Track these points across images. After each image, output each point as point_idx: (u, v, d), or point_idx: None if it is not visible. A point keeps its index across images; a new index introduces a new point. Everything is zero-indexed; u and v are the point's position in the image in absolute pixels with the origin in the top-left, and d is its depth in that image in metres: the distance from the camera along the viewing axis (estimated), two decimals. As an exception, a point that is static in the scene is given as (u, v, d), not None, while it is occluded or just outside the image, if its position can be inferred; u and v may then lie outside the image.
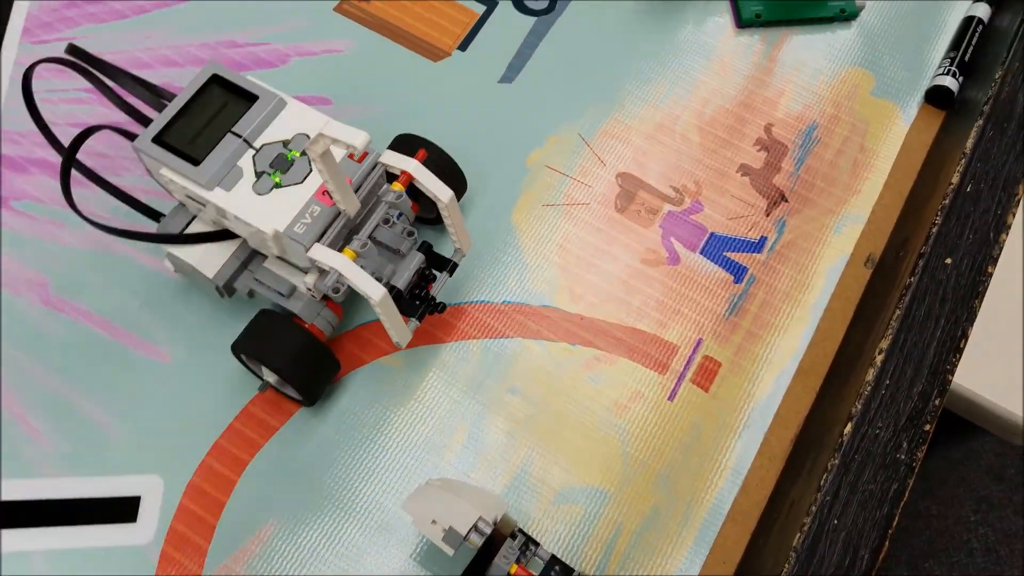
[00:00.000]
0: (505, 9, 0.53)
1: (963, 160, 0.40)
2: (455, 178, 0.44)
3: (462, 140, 0.49)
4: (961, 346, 0.36)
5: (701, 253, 0.47)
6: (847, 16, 0.53)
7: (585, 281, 0.46)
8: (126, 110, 0.41)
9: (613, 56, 0.52)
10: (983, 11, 0.52)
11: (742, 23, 0.53)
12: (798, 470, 0.39)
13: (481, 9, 0.53)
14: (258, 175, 0.37)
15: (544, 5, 0.54)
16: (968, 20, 0.52)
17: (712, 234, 0.47)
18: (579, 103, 0.51)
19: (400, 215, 0.39)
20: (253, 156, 0.38)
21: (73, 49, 0.41)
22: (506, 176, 0.48)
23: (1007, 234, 0.38)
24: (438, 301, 0.39)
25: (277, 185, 0.37)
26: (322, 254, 0.36)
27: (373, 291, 0.35)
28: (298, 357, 0.38)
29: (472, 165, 0.48)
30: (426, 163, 0.42)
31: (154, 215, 0.41)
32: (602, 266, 0.46)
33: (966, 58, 0.50)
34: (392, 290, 0.37)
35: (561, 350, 0.44)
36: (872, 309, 0.43)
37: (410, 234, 0.39)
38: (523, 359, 0.44)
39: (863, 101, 0.51)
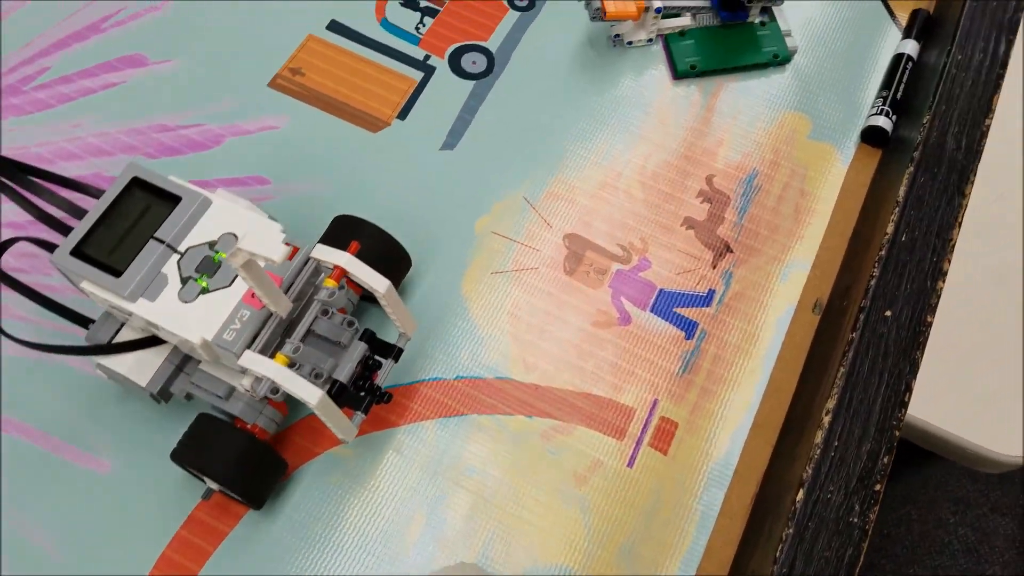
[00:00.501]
0: (443, 74, 0.53)
1: (896, 209, 0.41)
2: (397, 259, 0.44)
3: (406, 212, 0.49)
4: (905, 400, 0.37)
5: (651, 311, 0.47)
6: (781, 61, 0.53)
7: (538, 349, 0.46)
8: (46, 221, 0.40)
9: (553, 115, 0.52)
10: (911, 48, 0.53)
11: (678, 74, 0.53)
12: (757, 535, 0.39)
13: (418, 76, 0.53)
14: (184, 281, 0.37)
15: (482, 68, 0.54)
16: (898, 57, 0.53)
17: (661, 290, 0.47)
18: (522, 166, 0.51)
19: (332, 294, 0.39)
20: (178, 261, 0.37)
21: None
22: (454, 246, 0.48)
23: (944, 281, 0.39)
24: (384, 390, 0.39)
25: (204, 290, 0.37)
26: (253, 362, 0.35)
27: (310, 395, 0.34)
28: (240, 463, 0.37)
29: (418, 237, 0.48)
30: (366, 245, 0.42)
31: (83, 321, 0.40)
32: (554, 332, 0.46)
33: (898, 96, 0.51)
34: (334, 384, 0.37)
35: (517, 423, 0.44)
36: (822, 356, 0.44)
37: (350, 324, 0.39)
38: (479, 436, 0.43)
39: (801, 145, 0.52)
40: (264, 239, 0.31)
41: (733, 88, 0.53)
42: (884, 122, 0.50)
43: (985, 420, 0.54)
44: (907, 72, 0.51)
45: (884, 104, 0.50)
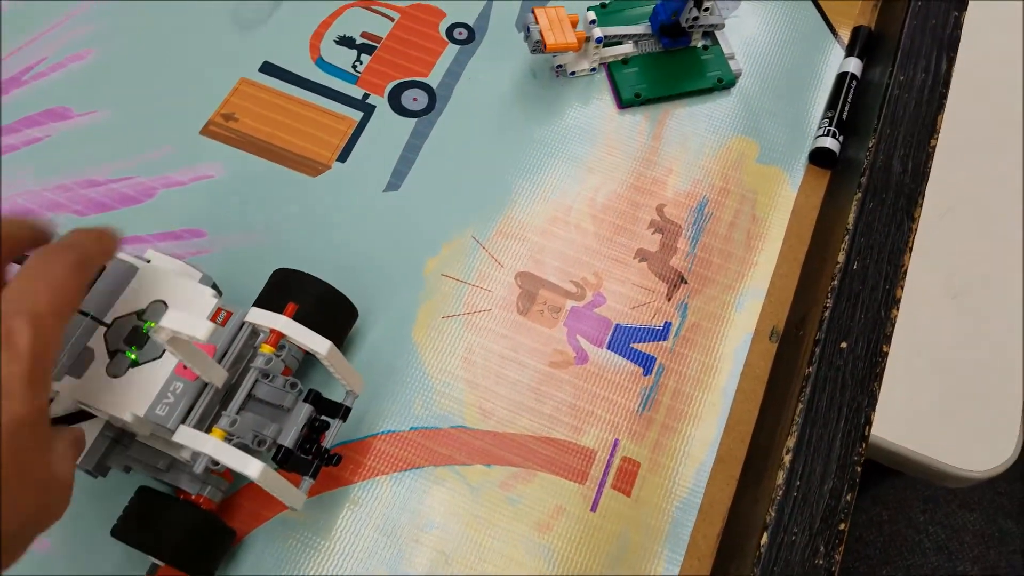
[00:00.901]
0: (383, 113, 0.52)
1: (847, 236, 0.40)
2: (342, 312, 0.42)
3: (351, 258, 0.47)
4: (866, 434, 0.36)
5: (608, 348, 0.46)
6: (725, 85, 0.53)
7: (494, 394, 0.44)
8: None
9: (499, 150, 0.51)
10: (855, 66, 0.52)
11: (623, 103, 0.52)
12: (726, 577, 0.38)
13: (358, 115, 0.52)
14: (111, 354, 0.35)
15: (424, 104, 0.53)
16: (841, 77, 0.52)
17: (617, 326, 0.46)
18: (470, 204, 0.49)
19: (268, 361, 0.37)
20: (104, 334, 0.35)
21: None
22: (403, 291, 0.47)
23: (898, 309, 0.38)
24: (332, 453, 0.37)
25: (134, 363, 0.35)
26: (189, 438, 0.33)
27: (250, 469, 0.33)
28: (185, 537, 0.35)
29: (365, 284, 0.46)
30: (308, 301, 0.40)
31: None
32: (510, 375, 0.45)
33: (844, 116, 0.51)
34: (279, 450, 0.35)
35: (476, 473, 0.42)
36: (781, 387, 0.43)
37: (293, 386, 0.37)
38: (437, 489, 0.42)
39: (749, 170, 0.51)
40: (188, 317, 0.29)
41: (679, 114, 0.53)
42: (831, 143, 0.50)
43: (946, 436, 0.53)
44: (851, 91, 0.51)
45: (830, 124, 0.50)
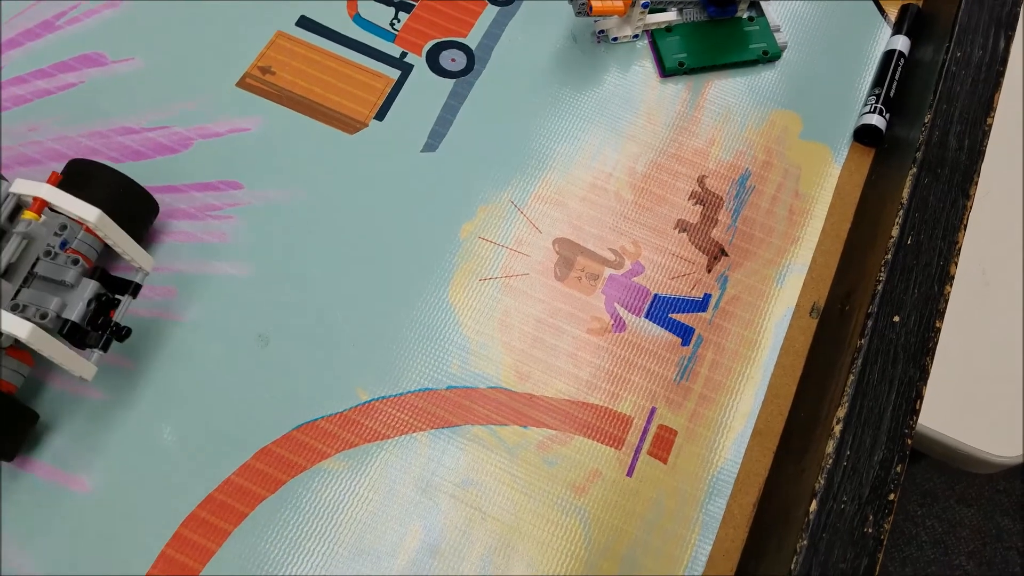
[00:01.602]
0: (421, 73, 0.51)
1: (901, 211, 0.40)
2: (139, 203, 0.43)
3: (388, 217, 0.46)
4: (917, 407, 0.36)
5: (646, 317, 0.45)
6: (770, 58, 0.52)
7: (531, 357, 0.44)
8: None
9: (538, 114, 0.50)
10: (903, 44, 0.52)
11: (666, 72, 0.52)
12: (764, 546, 0.38)
13: (395, 74, 0.51)
14: None
15: (462, 66, 0.52)
16: (889, 54, 0.52)
17: (656, 296, 0.46)
18: (508, 168, 0.49)
19: (63, 244, 0.38)
20: None
21: None
22: (439, 252, 0.46)
23: (951, 286, 0.38)
24: (122, 326, 0.38)
25: None
26: None
27: (18, 329, 0.34)
28: None
29: (401, 242, 0.46)
30: (104, 193, 0.41)
31: None
32: (547, 340, 0.44)
33: (891, 94, 0.50)
34: (65, 324, 0.36)
35: (513, 434, 0.42)
36: (822, 361, 0.43)
37: (75, 262, 0.38)
38: (474, 447, 0.41)
39: (793, 145, 0.51)
40: None
41: (722, 86, 0.52)
42: (878, 120, 0.49)
43: (978, 421, 0.53)
44: (899, 69, 0.51)
45: (877, 102, 0.50)
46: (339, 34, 0.52)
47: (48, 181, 0.38)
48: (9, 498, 0.39)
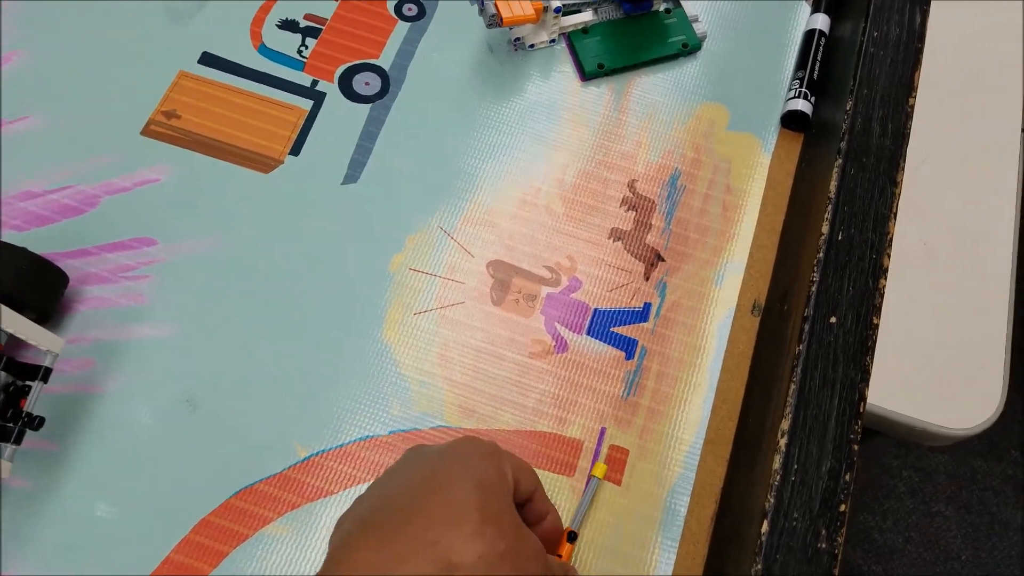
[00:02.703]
0: (335, 100, 0.49)
1: (829, 205, 0.39)
2: (41, 275, 0.41)
3: (313, 257, 0.45)
4: (860, 410, 0.35)
5: (588, 334, 0.44)
6: (691, 50, 0.51)
7: (474, 391, 0.43)
8: None
9: (460, 132, 0.49)
10: (823, 22, 0.51)
11: (586, 75, 0.50)
12: (724, 563, 0.37)
13: (308, 104, 0.49)
14: None
15: (377, 88, 0.50)
16: (809, 34, 0.51)
17: (596, 310, 0.45)
18: (434, 193, 0.47)
19: None
20: None
21: None
22: (369, 289, 0.44)
23: (886, 279, 0.37)
24: (35, 416, 0.37)
25: None
26: None
27: None
28: None
29: (329, 282, 0.44)
30: (10, 269, 0.39)
31: None
32: (489, 370, 0.43)
33: (815, 76, 0.49)
34: None
35: (460, 473, 0.41)
36: (767, 362, 0.42)
37: None
38: (421, 494, 0.40)
39: (721, 138, 0.49)
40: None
41: (645, 84, 0.51)
42: (803, 105, 0.48)
43: (929, 396, 0.53)
44: (820, 49, 0.49)
45: (801, 86, 0.49)
46: (245, 68, 0.50)
47: None
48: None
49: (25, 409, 0.36)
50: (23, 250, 0.40)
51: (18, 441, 0.36)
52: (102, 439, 0.40)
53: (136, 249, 0.45)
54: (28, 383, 0.37)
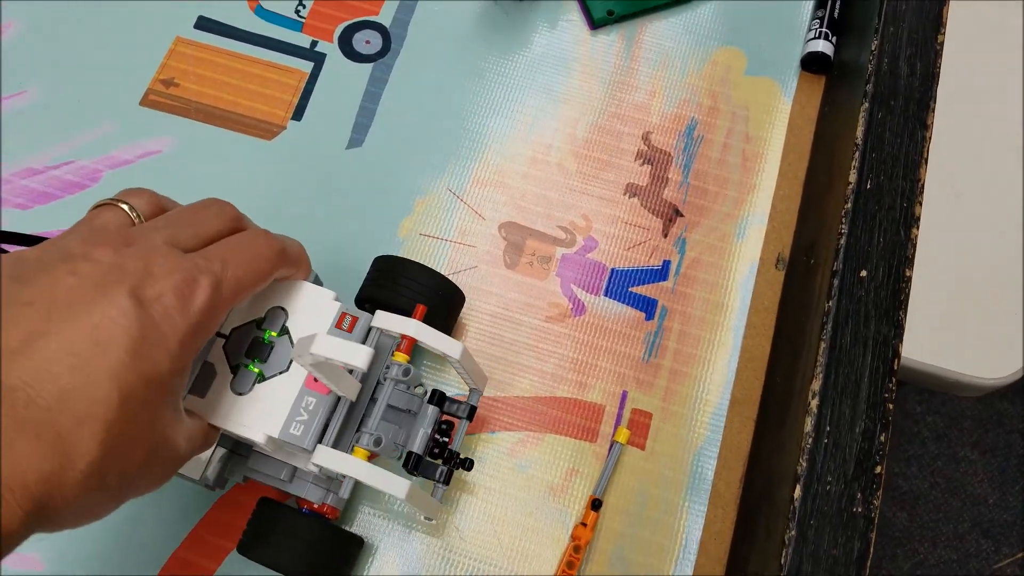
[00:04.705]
0: (335, 61, 0.48)
1: (856, 152, 0.37)
2: (453, 299, 0.39)
3: (320, 223, 0.44)
4: (894, 367, 0.34)
5: (606, 295, 0.43)
6: (703, -8, 0.48)
7: (490, 357, 0.41)
8: None
9: (466, 89, 0.47)
10: (842, -43, 0.48)
11: (595, 24, 0.48)
12: (754, 528, 0.36)
13: (308, 66, 0.47)
14: (234, 369, 0.31)
15: (378, 47, 0.48)
16: (828, -29, 0.48)
17: (613, 270, 0.43)
18: (442, 154, 0.45)
19: (407, 372, 0.34)
20: (224, 346, 0.32)
21: None
22: (379, 255, 0.43)
23: (918, 228, 0.36)
24: (463, 457, 0.35)
25: (259, 378, 0.31)
26: (329, 460, 0.31)
27: (398, 490, 0.30)
28: (314, 554, 0.33)
29: (337, 251, 0.43)
30: (416, 291, 0.37)
31: None
32: (505, 336, 0.42)
33: (835, 14, 0.47)
34: (409, 457, 0.33)
35: (480, 442, 0.40)
36: (792, 319, 0.40)
37: (420, 387, 0.35)
38: (441, 464, 0.39)
39: (738, 84, 0.47)
40: (343, 343, 0.26)
41: (657, 29, 0.48)
42: (824, 46, 0.46)
43: (958, 345, 0.51)
44: (840, -13, 0.47)
45: (821, 26, 0.46)
46: (242, 31, 0.48)
47: (415, 316, 0.34)
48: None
49: (452, 447, 0.35)
50: (429, 270, 0.38)
51: (447, 482, 0.34)
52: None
53: (140, 224, 0.43)
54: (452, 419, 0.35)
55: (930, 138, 0.37)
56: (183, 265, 0.26)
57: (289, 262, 0.32)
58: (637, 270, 0.43)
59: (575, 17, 0.49)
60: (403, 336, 0.34)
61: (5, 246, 0.36)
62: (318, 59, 0.48)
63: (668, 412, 0.41)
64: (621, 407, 0.41)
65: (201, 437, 0.29)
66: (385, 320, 0.33)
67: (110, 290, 0.25)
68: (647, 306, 0.43)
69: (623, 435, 0.39)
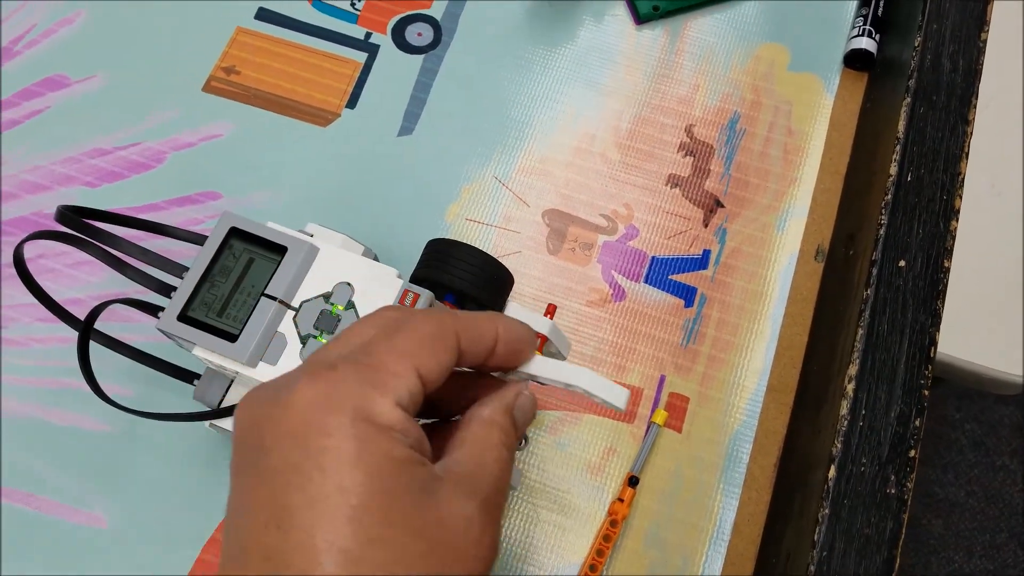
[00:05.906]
0: (388, 52, 0.49)
1: (897, 146, 0.38)
2: (505, 280, 0.39)
3: (371, 207, 0.45)
4: (931, 355, 0.34)
5: (646, 282, 0.44)
6: (749, -11, 0.49)
7: (531, 339, 0.43)
8: (141, 280, 0.35)
9: (513, 80, 0.48)
10: (887, -44, 0.49)
11: (641, 18, 0.49)
12: (788, 507, 0.37)
13: (362, 57, 0.49)
14: (303, 340, 0.33)
15: (430, 39, 0.50)
16: (874, -31, 0.49)
17: (653, 258, 0.45)
18: (488, 142, 0.47)
19: None
20: (294, 318, 0.33)
21: (65, 215, 0.35)
22: (426, 239, 0.45)
23: (957, 221, 0.36)
24: None
25: None
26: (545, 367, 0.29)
27: (618, 398, 0.28)
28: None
29: (387, 233, 0.45)
30: (470, 272, 0.38)
31: (187, 376, 0.36)
32: (546, 318, 0.43)
33: (879, 12, 0.47)
34: None
35: (521, 420, 0.41)
36: (832, 309, 0.41)
37: None
38: (483, 440, 0.41)
39: (781, 79, 0.48)
40: (607, 383, 0.27)
41: (701, 25, 0.49)
42: (868, 43, 0.46)
43: (994, 342, 0.52)
44: (885, -15, 0.48)
45: (865, 23, 0.47)
46: (300, 22, 0.50)
47: (547, 314, 0.39)
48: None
49: None
50: (478, 251, 0.38)
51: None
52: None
53: (202, 203, 0.46)
54: None
55: (971, 133, 0.37)
56: None
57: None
58: (677, 259, 0.44)
59: (621, 12, 0.50)
60: (538, 335, 0.34)
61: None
62: (372, 50, 0.49)
63: (705, 397, 0.42)
64: (659, 391, 0.42)
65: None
66: (517, 313, 0.37)
67: None
68: (686, 294, 0.44)
69: (660, 416, 0.41)
